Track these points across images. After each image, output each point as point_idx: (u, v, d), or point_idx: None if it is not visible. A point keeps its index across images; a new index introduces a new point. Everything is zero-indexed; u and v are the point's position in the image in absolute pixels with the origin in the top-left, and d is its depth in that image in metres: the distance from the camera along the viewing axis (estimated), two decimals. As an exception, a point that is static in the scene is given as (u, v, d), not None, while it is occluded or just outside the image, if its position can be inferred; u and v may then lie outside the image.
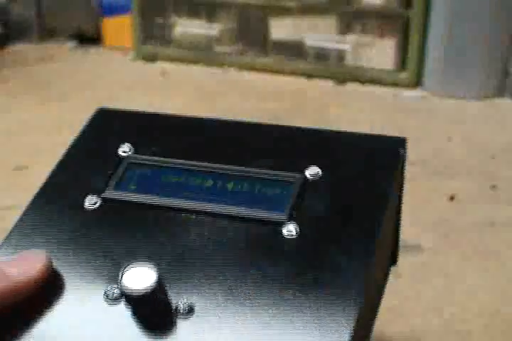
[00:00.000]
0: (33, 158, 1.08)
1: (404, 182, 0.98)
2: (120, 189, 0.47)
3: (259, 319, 0.41)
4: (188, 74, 1.48)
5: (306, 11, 1.39)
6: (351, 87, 1.39)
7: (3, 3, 1.61)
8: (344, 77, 1.41)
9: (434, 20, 1.31)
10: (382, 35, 1.36)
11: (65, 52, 1.63)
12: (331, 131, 0.53)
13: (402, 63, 1.37)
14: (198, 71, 1.49)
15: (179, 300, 0.42)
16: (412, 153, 1.24)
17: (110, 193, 0.47)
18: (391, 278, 0.79)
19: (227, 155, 0.50)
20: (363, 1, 1.33)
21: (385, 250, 0.52)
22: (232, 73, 1.47)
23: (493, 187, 0.98)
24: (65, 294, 0.43)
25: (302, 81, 1.43)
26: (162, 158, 0.50)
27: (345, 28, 1.39)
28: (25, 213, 0.48)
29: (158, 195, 0.47)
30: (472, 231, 0.87)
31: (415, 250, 0.83)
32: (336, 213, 0.46)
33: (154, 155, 0.49)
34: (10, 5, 1.61)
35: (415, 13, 1.31)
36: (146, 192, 0.47)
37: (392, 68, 1.37)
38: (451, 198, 0.95)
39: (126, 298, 0.42)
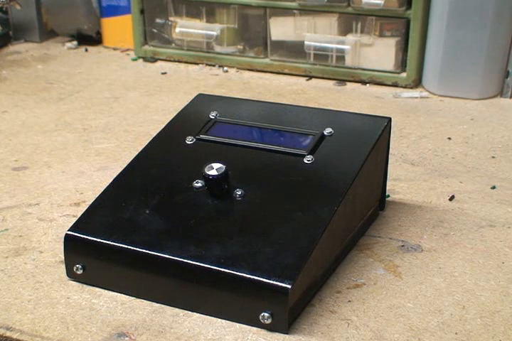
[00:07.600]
0: (33, 158, 1.08)
1: (404, 182, 1.01)
2: (207, 134, 0.84)
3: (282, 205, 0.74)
4: (188, 74, 1.48)
5: (306, 11, 1.39)
6: (351, 87, 1.39)
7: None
8: (344, 77, 1.41)
9: (434, 20, 1.31)
10: (382, 36, 1.36)
11: (65, 52, 1.64)
12: (341, 111, 0.90)
13: (402, 63, 1.37)
14: (198, 71, 1.49)
15: (236, 189, 0.76)
16: (412, 153, 1.25)
17: (202, 135, 0.84)
18: (391, 277, 0.79)
19: (275, 120, 0.85)
20: (362, 1, 1.33)
21: (367, 180, 0.81)
22: (232, 73, 1.47)
23: (493, 187, 0.98)
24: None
25: (302, 81, 1.43)
26: (234, 120, 0.85)
27: (345, 28, 1.39)
28: (154, 138, 0.86)
29: (229, 138, 0.83)
30: (472, 231, 0.87)
31: (415, 250, 0.83)
32: (337, 154, 0.79)
33: (229, 118, 0.85)
34: (10, 5, 1.60)
35: (415, 14, 1.31)
36: (221, 136, 0.83)
37: (392, 68, 1.37)
38: (451, 198, 0.95)
39: (205, 181, 0.74)
